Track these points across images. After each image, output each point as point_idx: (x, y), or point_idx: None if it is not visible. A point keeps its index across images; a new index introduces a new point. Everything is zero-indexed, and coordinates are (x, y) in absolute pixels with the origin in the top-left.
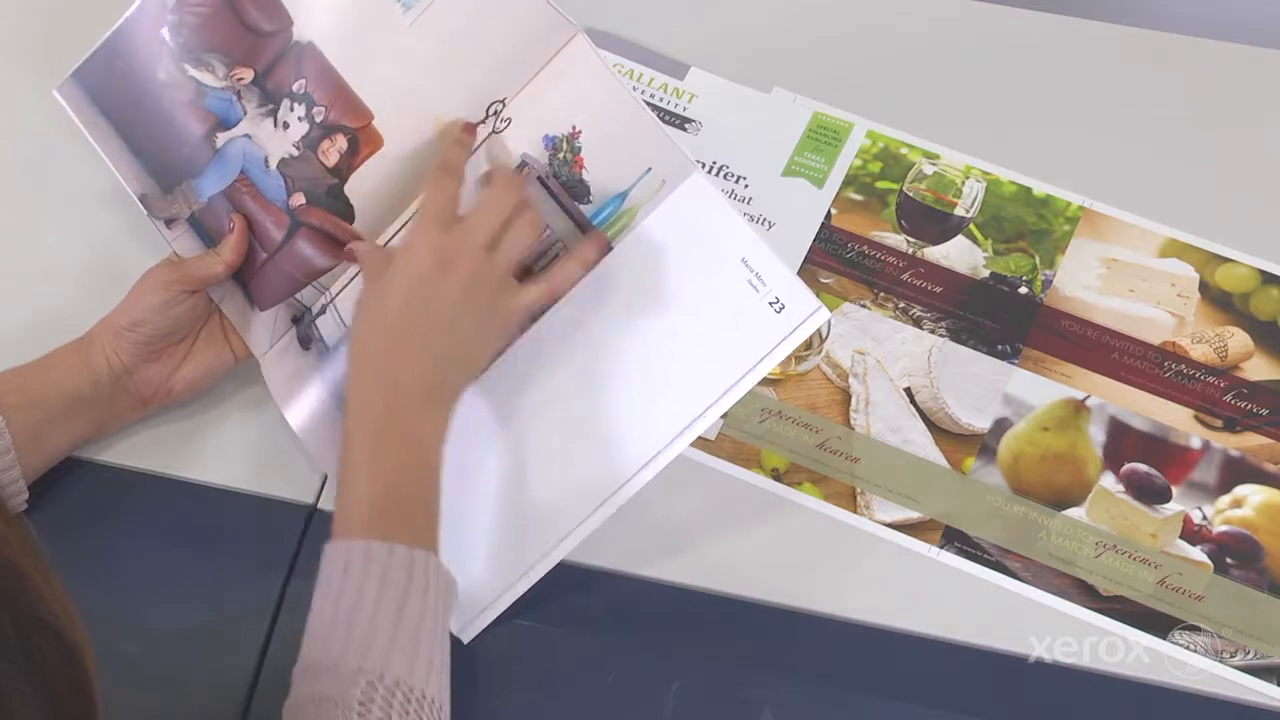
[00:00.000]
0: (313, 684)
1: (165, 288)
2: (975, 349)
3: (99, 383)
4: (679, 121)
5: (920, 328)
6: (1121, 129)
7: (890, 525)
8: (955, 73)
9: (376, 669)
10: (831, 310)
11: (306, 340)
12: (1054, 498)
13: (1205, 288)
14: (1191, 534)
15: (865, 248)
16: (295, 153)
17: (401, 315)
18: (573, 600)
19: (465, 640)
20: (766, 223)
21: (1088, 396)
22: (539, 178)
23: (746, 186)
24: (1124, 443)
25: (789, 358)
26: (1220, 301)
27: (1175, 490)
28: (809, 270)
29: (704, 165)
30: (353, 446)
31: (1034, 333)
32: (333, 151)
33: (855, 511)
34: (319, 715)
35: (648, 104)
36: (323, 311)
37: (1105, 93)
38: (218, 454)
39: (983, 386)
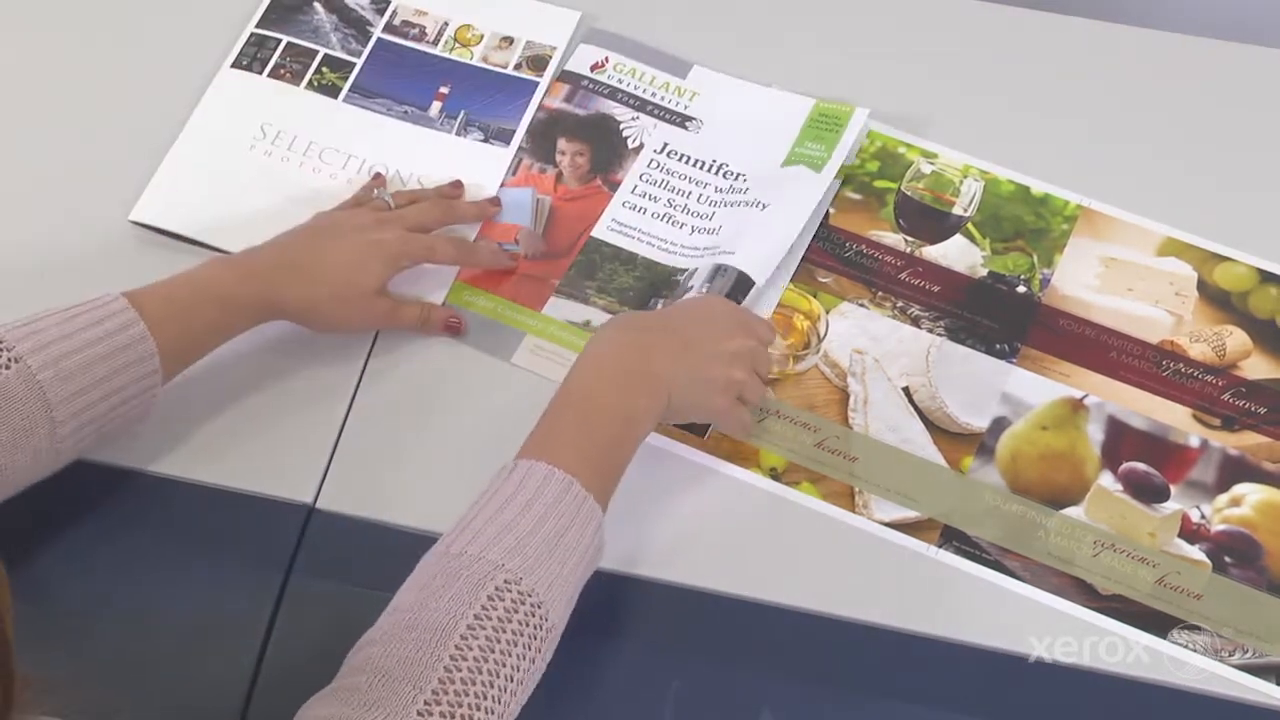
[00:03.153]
0: (453, 561)
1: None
2: (973, 348)
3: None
4: (680, 120)
5: (918, 327)
6: (1120, 128)
7: (889, 524)
8: (953, 72)
9: (518, 574)
10: (829, 309)
11: None
12: (1052, 497)
13: (1203, 286)
14: (1190, 533)
15: (863, 247)
16: None
17: (663, 334)
18: None
19: None
20: (760, 205)
21: (1086, 395)
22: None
23: (744, 181)
24: (1122, 442)
25: (787, 357)
26: (1218, 300)
27: (1174, 489)
28: (806, 268)
29: (703, 164)
30: (577, 394)
31: (1032, 332)
32: None
33: (853, 511)
34: (450, 584)
35: (649, 102)
36: None
37: (1103, 92)
38: (217, 454)
39: (981, 385)
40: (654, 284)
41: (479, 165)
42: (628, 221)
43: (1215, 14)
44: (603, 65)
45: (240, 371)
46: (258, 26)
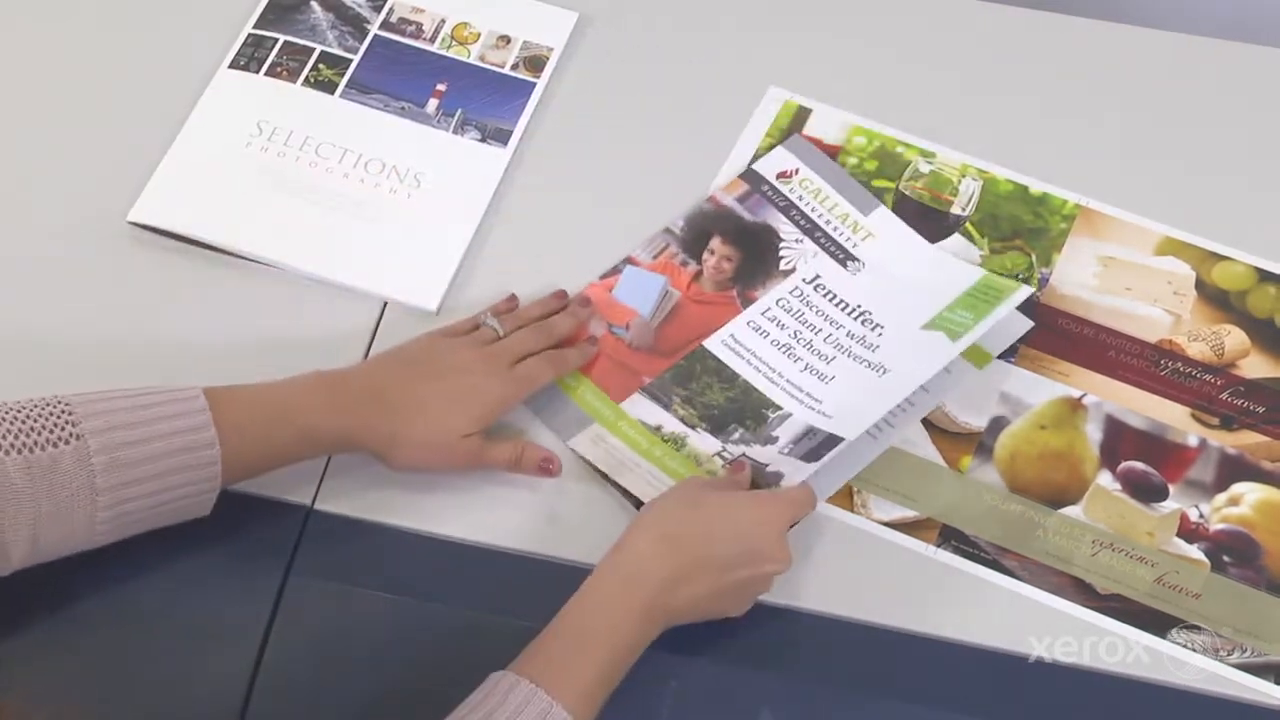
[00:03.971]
0: None
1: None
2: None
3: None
4: (843, 257)
5: None
6: (1118, 127)
7: (887, 524)
8: (952, 71)
9: None
10: None
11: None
12: (1051, 496)
13: (1202, 286)
14: (1189, 532)
15: None
16: None
17: (706, 539)
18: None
19: None
20: (882, 370)
21: (1084, 395)
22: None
23: (880, 334)
24: (1121, 441)
25: None
26: (1217, 299)
27: (1172, 488)
28: None
29: (847, 306)
30: (591, 610)
31: (1031, 331)
32: None
33: (852, 510)
34: None
35: (819, 228)
36: None
37: (1102, 91)
38: None
39: (980, 385)
40: (743, 410)
41: (476, 165)
42: (745, 341)
43: (1215, 14)
44: (790, 175)
45: (239, 372)
46: (255, 27)
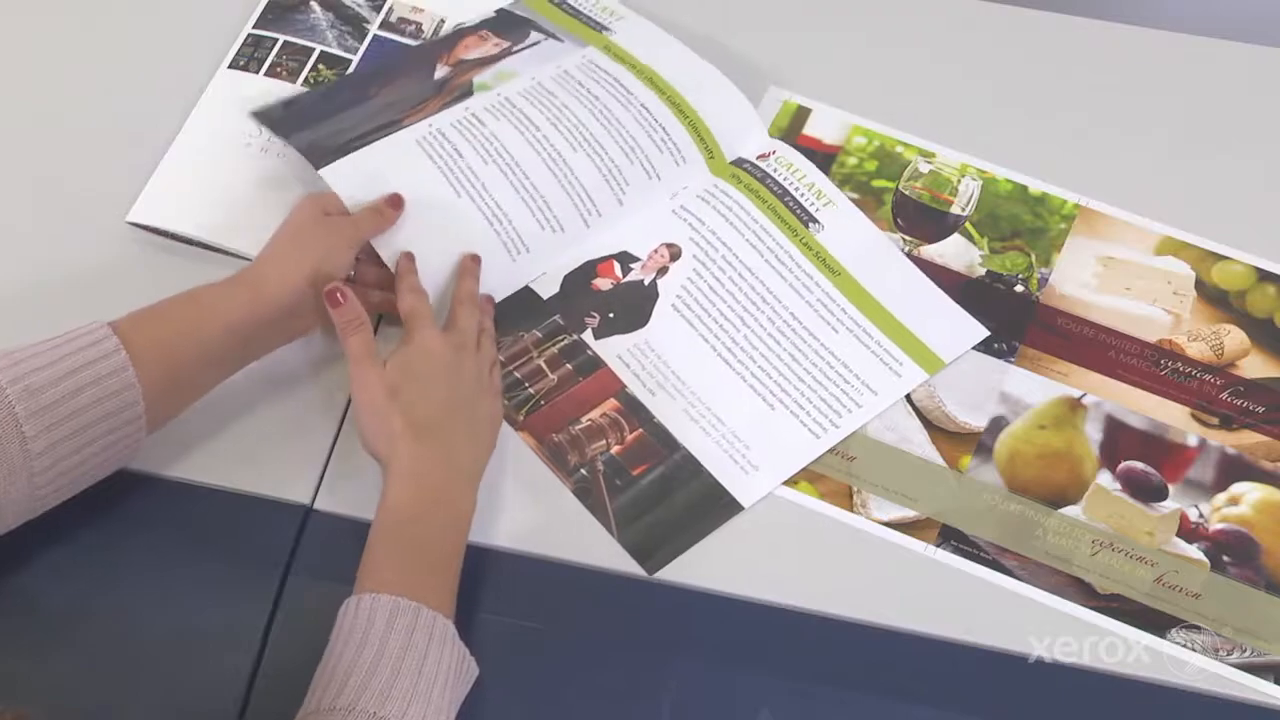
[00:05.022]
0: (326, 719)
1: (353, 246)
2: (971, 347)
3: (261, 324)
4: (806, 218)
5: None
6: (1117, 127)
7: (887, 524)
8: (951, 70)
9: (394, 717)
10: None
11: None
12: (1051, 496)
13: (1201, 285)
14: (1188, 532)
15: None
16: None
17: (447, 396)
18: (570, 600)
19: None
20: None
21: (1084, 394)
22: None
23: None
24: (1121, 441)
25: None
26: (1216, 299)
27: (1172, 488)
28: None
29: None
30: (398, 506)
31: (1030, 331)
32: None
33: (851, 510)
34: None
35: (788, 192)
36: None
37: (1101, 91)
38: (214, 454)
39: (979, 385)
40: None
41: None
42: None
43: (1215, 13)
44: (768, 155)
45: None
46: (255, 27)
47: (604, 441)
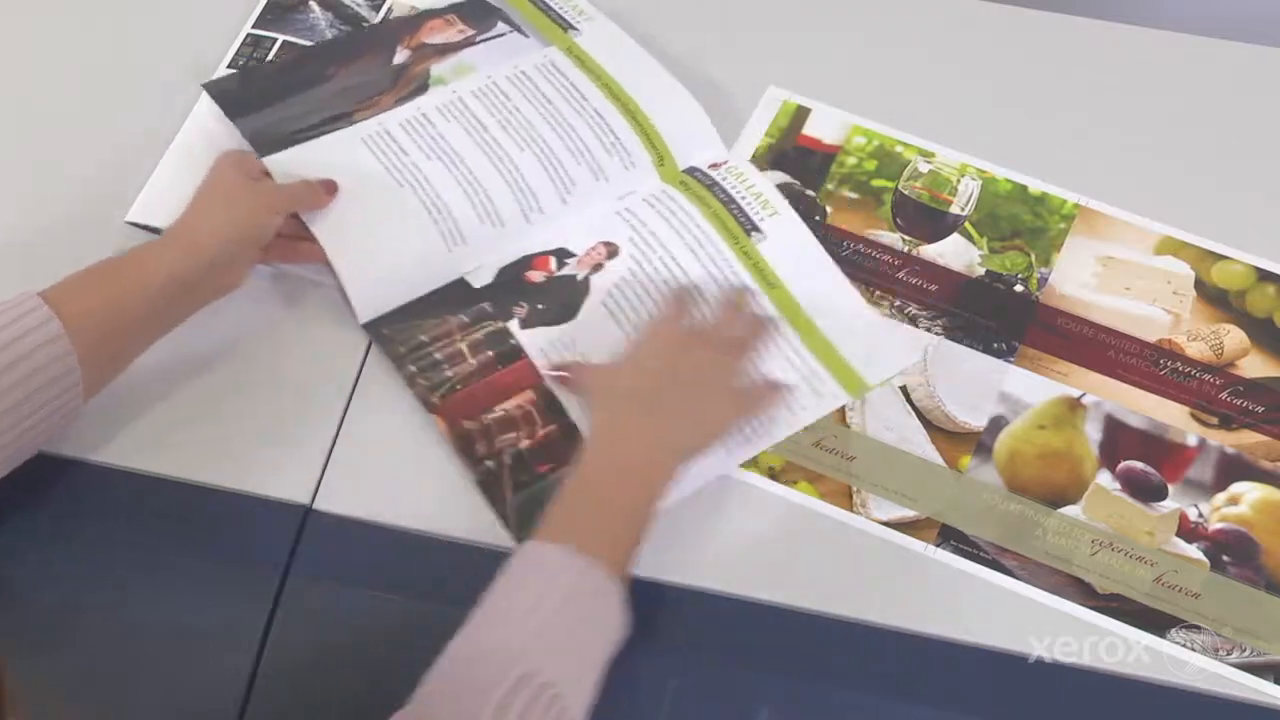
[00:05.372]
0: (474, 651)
1: (278, 212)
2: (971, 347)
3: (196, 278)
4: (749, 227)
5: (916, 326)
6: (1117, 127)
7: (886, 524)
8: (951, 70)
9: (538, 665)
10: None
11: None
12: (1050, 496)
13: (1201, 285)
14: (1188, 531)
15: (860, 246)
16: None
17: (660, 374)
18: None
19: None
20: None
21: (1084, 394)
22: None
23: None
24: (1120, 440)
25: None
26: (1216, 299)
27: (1171, 488)
28: None
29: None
30: (598, 470)
31: (1030, 330)
32: None
33: (851, 510)
34: (471, 675)
35: (736, 203)
36: None
37: (1101, 90)
38: (213, 454)
39: (979, 384)
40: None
41: None
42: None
43: (1214, 13)
44: (719, 165)
45: (237, 371)
46: (254, 26)
47: (515, 434)
